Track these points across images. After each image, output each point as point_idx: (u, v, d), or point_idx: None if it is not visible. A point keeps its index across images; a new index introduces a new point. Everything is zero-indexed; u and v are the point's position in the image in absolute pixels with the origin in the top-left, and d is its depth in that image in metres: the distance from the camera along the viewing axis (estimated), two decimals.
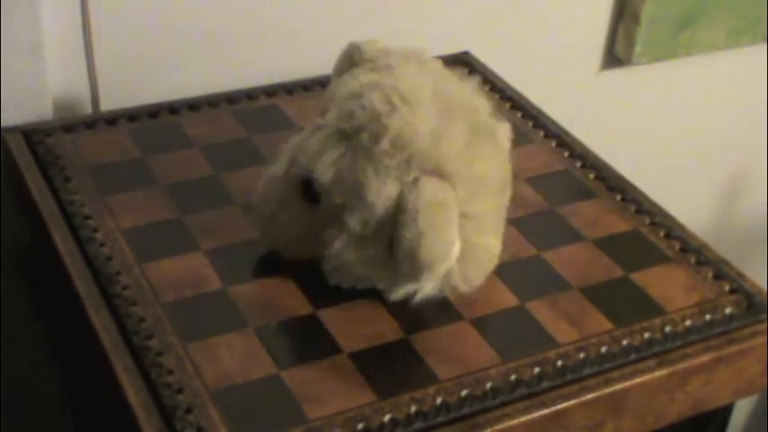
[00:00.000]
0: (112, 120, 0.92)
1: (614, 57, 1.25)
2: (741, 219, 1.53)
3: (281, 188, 0.74)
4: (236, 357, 0.69)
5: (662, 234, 0.84)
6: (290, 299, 0.74)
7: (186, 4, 1.00)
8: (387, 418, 0.66)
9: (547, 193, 0.87)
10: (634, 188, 0.89)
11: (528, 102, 1.00)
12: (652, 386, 0.72)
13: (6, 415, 0.73)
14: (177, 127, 0.92)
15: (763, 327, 0.76)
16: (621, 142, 1.26)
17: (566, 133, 0.96)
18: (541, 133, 0.95)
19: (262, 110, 0.95)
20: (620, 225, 0.85)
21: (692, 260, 0.81)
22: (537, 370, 0.70)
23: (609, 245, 0.82)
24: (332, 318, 0.73)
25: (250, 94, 0.97)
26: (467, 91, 0.76)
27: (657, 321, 0.75)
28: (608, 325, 0.74)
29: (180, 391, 0.66)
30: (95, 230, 0.79)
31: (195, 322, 0.72)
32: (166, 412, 0.65)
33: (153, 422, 0.65)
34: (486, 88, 0.81)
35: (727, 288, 0.79)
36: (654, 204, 0.87)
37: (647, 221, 0.85)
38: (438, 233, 0.69)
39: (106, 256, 0.77)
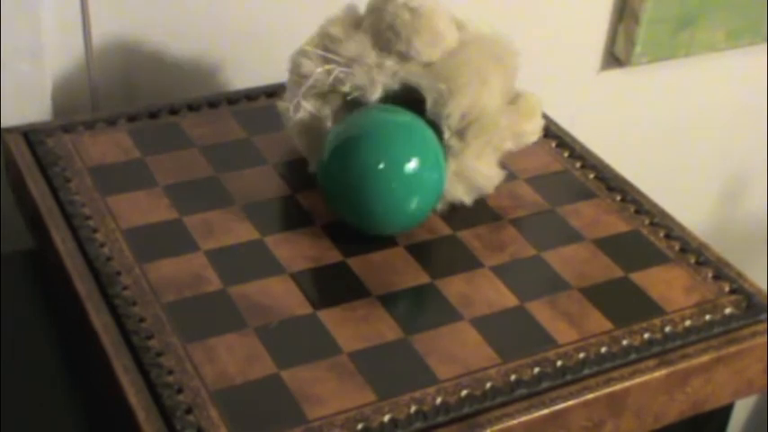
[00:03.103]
0: (112, 120, 0.92)
1: (614, 57, 1.25)
2: (741, 219, 1.53)
3: None
4: (236, 357, 0.69)
5: (662, 234, 0.84)
6: (290, 299, 0.74)
7: (186, 4, 1.00)
8: (387, 418, 0.66)
9: (547, 193, 0.87)
10: (634, 188, 0.89)
11: None
12: (652, 386, 0.72)
13: (7, 415, 0.73)
14: (177, 127, 0.92)
15: (762, 327, 0.76)
16: (621, 142, 1.26)
17: (566, 133, 0.96)
18: (542, 134, 0.95)
19: (262, 110, 0.95)
20: (620, 225, 0.85)
21: (692, 260, 0.81)
22: (537, 370, 0.70)
23: (609, 245, 0.82)
24: (332, 318, 0.73)
25: (250, 94, 0.97)
26: None
27: (657, 321, 0.75)
28: (608, 325, 0.74)
29: (180, 391, 0.66)
30: (95, 231, 0.79)
31: (195, 322, 0.72)
32: (166, 412, 0.65)
33: (153, 422, 0.65)
34: None
35: (726, 288, 0.79)
36: (654, 204, 0.87)
37: (647, 222, 0.85)
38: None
39: (106, 257, 0.77)
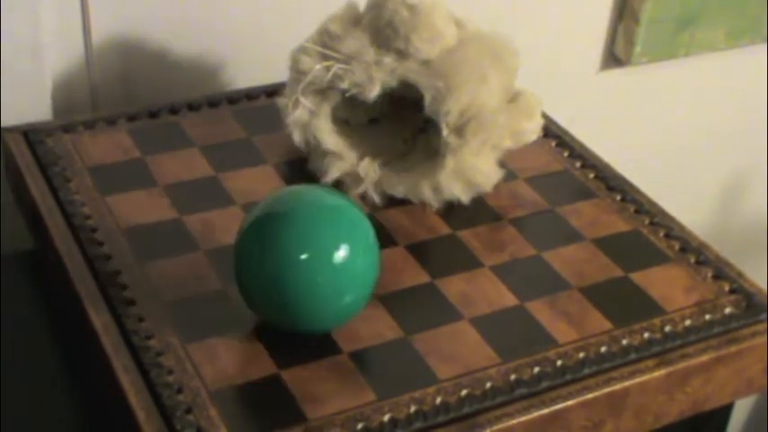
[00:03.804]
0: (112, 120, 0.92)
1: (614, 57, 1.25)
2: (741, 219, 1.53)
3: None
4: (236, 357, 0.69)
5: (662, 234, 0.84)
6: None
7: (186, 4, 1.00)
8: (387, 418, 0.66)
9: (547, 193, 0.87)
10: (634, 188, 0.89)
11: None
12: (651, 386, 0.72)
13: (7, 415, 0.73)
14: (177, 127, 0.92)
15: (762, 327, 0.76)
16: (621, 142, 1.26)
17: (565, 133, 0.96)
18: (541, 133, 0.95)
19: (262, 109, 0.95)
20: (620, 225, 0.85)
21: (692, 260, 0.81)
22: (536, 370, 0.70)
23: (609, 245, 0.82)
24: None
25: (250, 94, 0.97)
26: None
27: (657, 321, 0.75)
28: (607, 325, 0.74)
29: (180, 391, 0.66)
30: (95, 230, 0.79)
31: (195, 322, 0.72)
32: (166, 412, 0.65)
33: (153, 422, 0.65)
34: None
35: (726, 288, 0.79)
36: (654, 204, 0.87)
37: (647, 221, 0.85)
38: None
39: (106, 256, 0.77)
